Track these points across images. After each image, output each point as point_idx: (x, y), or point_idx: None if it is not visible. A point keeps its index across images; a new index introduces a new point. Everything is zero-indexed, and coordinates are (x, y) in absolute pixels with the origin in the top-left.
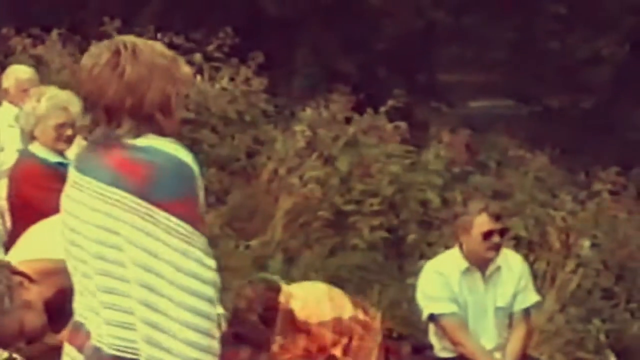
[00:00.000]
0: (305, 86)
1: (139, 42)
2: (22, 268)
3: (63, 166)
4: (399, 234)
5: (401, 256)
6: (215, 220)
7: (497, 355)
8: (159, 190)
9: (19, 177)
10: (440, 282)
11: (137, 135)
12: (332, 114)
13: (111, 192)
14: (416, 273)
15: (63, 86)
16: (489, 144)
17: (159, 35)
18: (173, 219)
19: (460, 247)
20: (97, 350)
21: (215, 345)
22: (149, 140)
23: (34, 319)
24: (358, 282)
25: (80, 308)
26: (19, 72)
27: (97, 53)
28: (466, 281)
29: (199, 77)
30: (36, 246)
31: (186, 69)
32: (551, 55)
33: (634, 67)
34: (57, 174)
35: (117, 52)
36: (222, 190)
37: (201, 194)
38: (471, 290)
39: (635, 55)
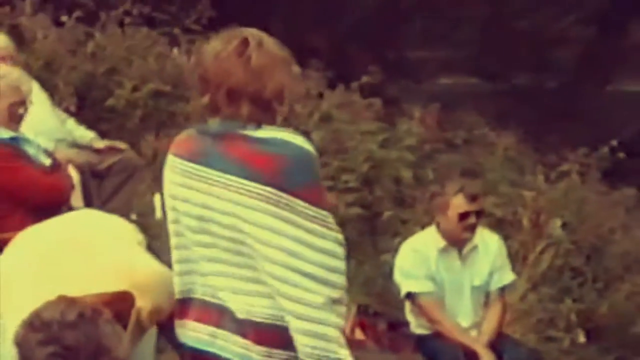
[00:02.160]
0: None
1: (264, 35)
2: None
3: (16, 141)
4: (373, 210)
5: (375, 233)
6: None
7: (473, 332)
8: (292, 180)
9: None
10: (418, 260)
11: (254, 121)
12: (306, 89)
13: (241, 183)
14: (390, 250)
15: (41, 56)
16: (458, 121)
17: (134, 9)
18: (307, 205)
19: (437, 226)
20: (245, 321)
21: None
22: (269, 132)
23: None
24: None
25: (212, 289)
26: None
27: (225, 40)
28: (443, 260)
29: (175, 50)
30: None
31: (296, 67)
32: (519, 34)
33: (600, 47)
34: (14, 150)
35: (244, 41)
36: None
37: None
38: (448, 268)
39: (602, 36)
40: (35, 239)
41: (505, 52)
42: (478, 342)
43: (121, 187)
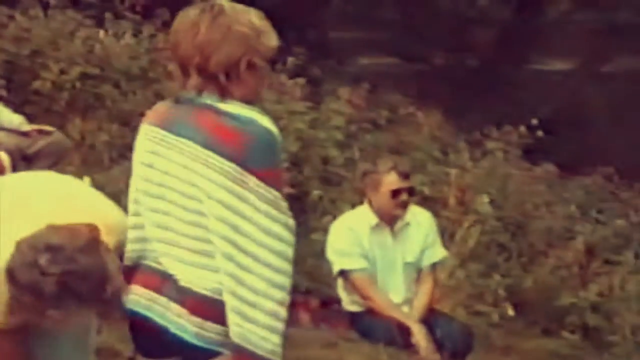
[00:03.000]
0: None
1: (228, 7)
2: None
3: None
4: (303, 189)
5: (305, 212)
6: (121, 176)
7: (405, 308)
8: (254, 159)
9: None
10: (350, 237)
11: (202, 92)
12: None
13: (205, 154)
14: (320, 229)
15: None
16: (383, 101)
17: None
18: (263, 185)
19: (370, 203)
20: (186, 290)
21: (288, 298)
22: (238, 108)
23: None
24: None
25: (155, 254)
26: None
27: (190, 12)
28: (375, 237)
29: (102, 32)
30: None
31: (269, 43)
32: (439, 14)
33: (517, 27)
34: None
35: (201, 13)
36: (124, 146)
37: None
38: (380, 245)
39: (521, 15)
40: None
41: (425, 31)
42: (410, 317)
43: (51, 170)
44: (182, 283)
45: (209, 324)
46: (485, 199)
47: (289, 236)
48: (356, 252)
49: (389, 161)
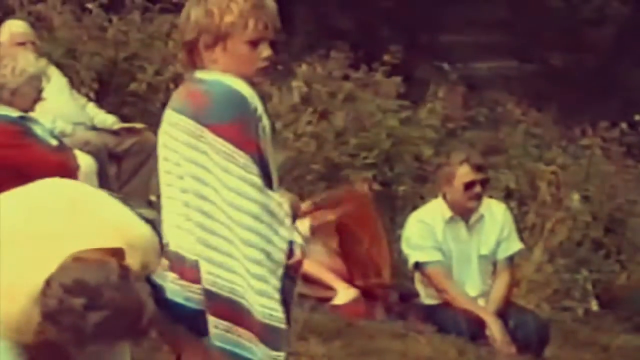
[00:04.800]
0: (304, 44)
1: None
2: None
3: (24, 120)
4: (392, 187)
5: (394, 209)
6: None
7: (481, 302)
8: (210, 115)
9: None
10: (424, 231)
11: (188, 65)
12: (328, 70)
13: (178, 118)
14: None
15: (62, 43)
16: (485, 100)
17: None
18: (219, 139)
19: (444, 197)
20: (175, 254)
21: (269, 262)
22: (210, 74)
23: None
24: None
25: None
26: (13, 26)
27: None
28: (450, 230)
29: None
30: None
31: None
32: (552, 14)
33: (637, 25)
34: (22, 129)
35: None
36: None
37: (260, 124)
38: (455, 238)
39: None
40: (20, 200)
41: (541, 33)
42: (485, 310)
43: (140, 168)
44: (172, 248)
45: (196, 286)
46: (576, 195)
47: (249, 191)
48: (430, 245)
49: (461, 154)
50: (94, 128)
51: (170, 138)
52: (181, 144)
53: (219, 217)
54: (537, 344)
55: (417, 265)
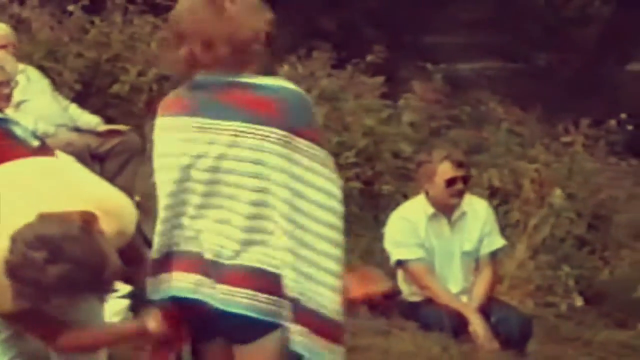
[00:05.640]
0: (287, 44)
1: None
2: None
3: (3, 122)
4: (375, 186)
5: (377, 207)
6: None
7: (464, 298)
8: (295, 120)
9: None
10: (407, 228)
11: (233, 67)
12: (310, 70)
13: (253, 128)
14: None
15: (44, 45)
16: (469, 99)
17: None
18: (306, 142)
19: (426, 194)
20: (236, 266)
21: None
22: (263, 80)
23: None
24: None
25: (195, 238)
26: None
27: None
28: (432, 227)
29: None
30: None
31: (269, 14)
32: (535, 13)
33: (621, 25)
34: (1, 130)
35: None
36: None
37: None
38: (437, 235)
39: (622, 12)
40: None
41: (525, 32)
42: (468, 307)
43: (123, 169)
44: (232, 260)
45: (263, 295)
46: (558, 192)
47: (338, 192)
48: (413, 242)
49: (442, 151)
50: (76, 129)
51: (236, 149)
52: (258, 153)
53: (309, 224)
54: (519, 339)
55: (400, 263)
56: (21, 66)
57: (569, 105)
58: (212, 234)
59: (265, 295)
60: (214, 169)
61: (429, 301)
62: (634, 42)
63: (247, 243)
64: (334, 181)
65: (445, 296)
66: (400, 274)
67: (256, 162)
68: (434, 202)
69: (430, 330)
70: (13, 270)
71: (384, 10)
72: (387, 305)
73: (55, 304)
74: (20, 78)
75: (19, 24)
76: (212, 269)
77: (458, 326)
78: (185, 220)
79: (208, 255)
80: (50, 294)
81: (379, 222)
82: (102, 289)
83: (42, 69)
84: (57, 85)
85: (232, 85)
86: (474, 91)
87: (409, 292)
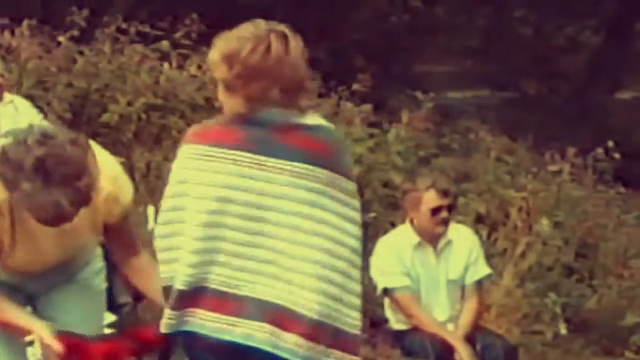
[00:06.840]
0: None
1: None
2: None
3: None
4: (362, 214)
5: (364, 236)
6: None
7: (450, 326)
8: (342, 162)
9: None
10: (392, 256)
11: (293, 108)
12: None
13: (307, 169)
14: None
15: (33, 74)
16: (458, 128)
17: (125, 25)
18: (351, 182)
19: (411, 222)
20: (276, 305)
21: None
22: (310, 119)
23: None
24: None
25: (228, 277)
26: None
27: (257, 35)
28: (418, 255)
29: (166, 65)
30: None
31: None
32: (525, 42)
33: (609, 54)
34: None
35: (283, 35)
36: None
37: None
38: (423, 264)
39: (611, 42)
40: None
41: (515, 61)
42: (454, 335)
43: None
44: (273, 300)
45: (288, 335)
46: (545, 220)
47: (360, 220)
48: (399, 271)
49: (427, 179)
50: None
51: (293, 189)
52: (309, 193)
53: (339, 252)
54: None
55: (386, 291)
56: (10, 96)
57: (558, 133)
58: (252, 271)
59: (290, 334)
60: (259, 206)
61: (415, 329)
62: (622, 71)
63: (289, 282)
64: (359, 210)
65: (431, 324)
66: (386, 302)
67: (312, 205)
68: (419, 230)
69: (415, 359)
70: (5, 151)
71: (374, 39)
72: (372, 332)
73: (23, 191)
74: (8, 108)
75: (8, 54)
76: (247, 309)
77: (443, 354)
78: (221, 257)
79: (279, 302)
80: (23, 175)
81: (366, 251)
82: (72, 194)
83: (31, 98)
84: (47, 114)
85: (290, 126)
86: (463, 120)
87: (395, 320)
